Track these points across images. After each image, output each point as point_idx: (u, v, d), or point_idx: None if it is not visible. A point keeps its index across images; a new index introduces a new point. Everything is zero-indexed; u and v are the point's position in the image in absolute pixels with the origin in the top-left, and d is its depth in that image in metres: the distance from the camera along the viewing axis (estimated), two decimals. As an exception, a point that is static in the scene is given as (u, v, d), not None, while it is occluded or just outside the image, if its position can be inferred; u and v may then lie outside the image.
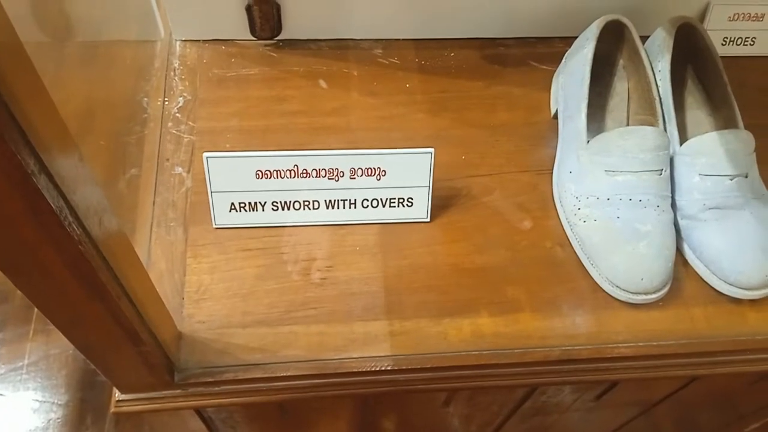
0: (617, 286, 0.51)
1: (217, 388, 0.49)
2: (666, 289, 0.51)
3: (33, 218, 0.28)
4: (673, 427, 0.90)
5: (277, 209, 0.54)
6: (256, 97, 0.63)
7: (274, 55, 0.66)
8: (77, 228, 0.31)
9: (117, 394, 0.49)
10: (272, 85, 0.64)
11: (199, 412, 0.60)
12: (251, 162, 0.51)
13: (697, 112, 0.60)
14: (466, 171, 0.60)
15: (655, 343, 0.52)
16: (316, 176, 0.53)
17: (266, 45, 0.66)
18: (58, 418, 0.83)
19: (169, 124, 0.60)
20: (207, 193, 0.53)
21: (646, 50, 0.60)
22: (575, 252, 0.55)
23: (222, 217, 0.53)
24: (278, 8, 0.63)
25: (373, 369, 0.49)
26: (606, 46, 0.60)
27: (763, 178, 0.55)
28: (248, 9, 0.63)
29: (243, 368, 0.49)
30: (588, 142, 0.54)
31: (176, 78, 0.64)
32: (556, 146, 0.60)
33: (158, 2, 0.65)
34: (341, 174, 0.53)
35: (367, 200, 0.54)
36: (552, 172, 0.59)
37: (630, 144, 0.52)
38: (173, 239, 0.54)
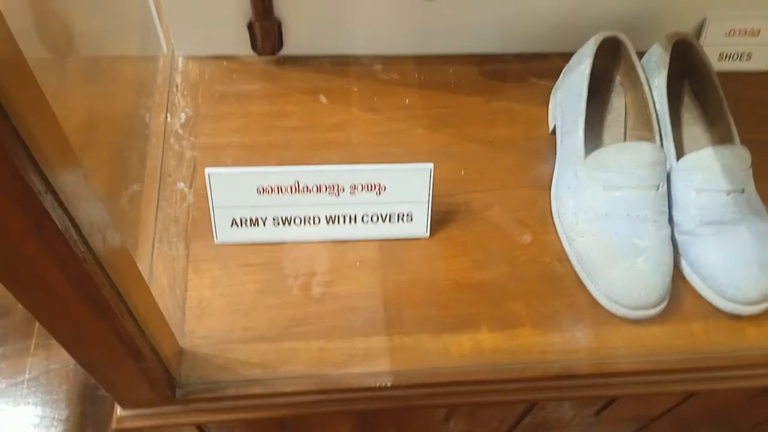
0: (615, 302, 0.51)
1: (218, 404, 0.50)
2: (664, 305, 0.51)
3: (37, 235, 0.29)
4: (673, 441, 0.90)
5: (278, 224, 0.54)
6: (257, 113, 0.63)
7: (275, 70, 0.67)
8: (81, 245, 0.31)
9: (118, 410, 0.49)
10: (273, 100, 0.65)
11: (200, 428, 0.60)
12: (252, 178, 0.52)
13: (693, 128, 0.61)
14: (466, 186, 0.60)
15: (654, 359, 0.52)
16: (317, 192, 0.53)
17: (267, 61, 0.67)
18: (58, 433, 0.83)
19: (172, 139, 0.61)
20: (209, 208, 0.53)
21: (642, 66, 0.60)
22: (574, 267, 0.55)
23: (223, 232, 0.54)
24: (279, 25, 0.64)
25: (373, 385, 0.50)
26: (603, 62, 0.61)
27: (760, 192, 0.56)
28: (250, 26, 0.63)
29: (244, 384, 0.49)
30: (586, 157, 0.55)
31: (178, 94, 0.65)
32: (555, 161, 0.60)
33: (160, 18, 0.66)
34: (341, 189, 0.53)
35: (368, 216, 0.55)
36: (550, 187, 0.59)
37: (627, 159, 0.52)
38: (175, 254, 0.54)
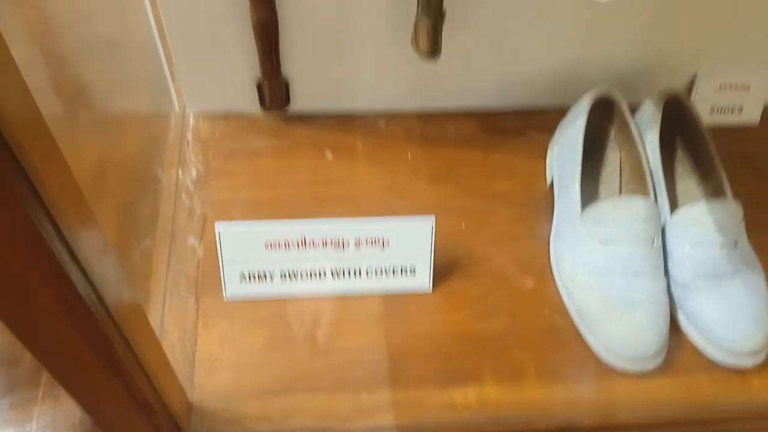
0: (614, 354, 0.52)
1: (225, 458, 0.50)
2: (661, 357, 0.52)
3: (52, 291, 0.29)
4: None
5: (285, 278, 0.56)
6: (265, 168, 0.66)
7: (283, 127, 0.70)
8: (96, 301, 0.32)
9: (127, 463, 0.50)
10: (281, 156, 0.67)
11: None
12: (261, 233, 0.54)
13: (687, 182, 0.63)
14: (467, 239, 0.62)
15: (656, 412, 0.53)
16: (323, 246, 0.55)
17: (275, 117, 0.70)
18: (63, 483, 0.83)
19: (183, 195, 0.63)
20: (218, 262, 0.55)
21: (636, 122, 0.63)
22: (573, 319, 0.56)
23: (233, 288, 0.55)
24: (287, 85, 0.67)
25: (378, 439, 0.50)
26: (598, 118, 0.63)
27: (755, 244, 0.57)
28: (259, 87, 0.66)
29: (251, 437, 0.50)
30: (582, 211, 0.57)
31: (189, 150, 0.67)
32: (553, 214, 0.62)
33: (173, 76, 0.69)
34: (346, 244, 0.55)
35: (372, 269, 0.56)
36: (549, 240, 0.61)
37: (623, 215, 0.54)
38: (185, 309, 0.56)
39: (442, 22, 0.57)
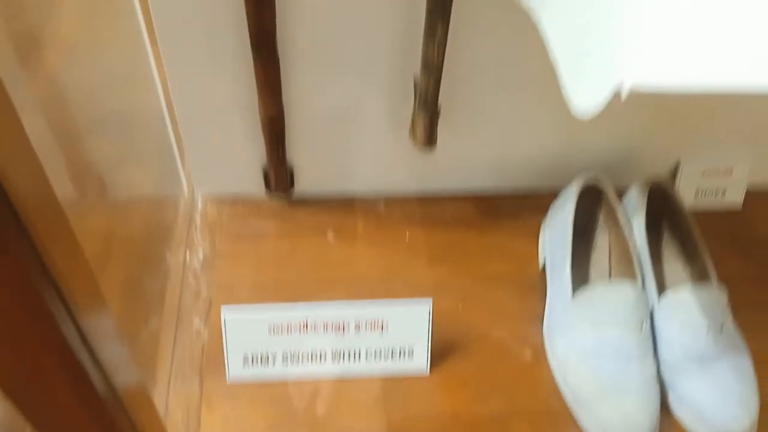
0: (608, 438, 0.53)
1: None
2: (654, 439, 0.54)
3: (60, 373, 0.30)
4: None
5: (287, 361, 0.58)
6: (270, 251, 0.69)
7: (287, 209, 0.73)
8: (103, 384, 0.32)
9: None
10: (285, 238, 0.70)
11: None
12: (265, 319, 0.56)
13: (674, 264, 0.65)
14: (464, 319, 0.64)
15: (650, 494, 0.53)
16: (324, 330, 0.57)
17: (280, 201, 0.73)
18: None
19: (190, 277, 0.66)
20: (222, 345, 0.57)
21: (624, 206, 0.66)
22: (568, 401, 0.57)
23: (236, 370, 0.57)
24: (291, 171, 0.71)
25: None
26: (587, 203, 0.67)
27: (742, 324, 0.59)
28: (265, 173, 0.70)
29: None
30: (573, 293, 0.59)
31: (197, 232, 0.70)
32: (546, 296, 0.65)
33: (182, 161, 0.73)
34: (347, 327, 0.57)
35: (371, 352, 0.58)
36: (543, 321, 0.63)
37: (612, 299, 0.56)
38: (189, 391, 0.57)
39: (437, 118, 0.62)
